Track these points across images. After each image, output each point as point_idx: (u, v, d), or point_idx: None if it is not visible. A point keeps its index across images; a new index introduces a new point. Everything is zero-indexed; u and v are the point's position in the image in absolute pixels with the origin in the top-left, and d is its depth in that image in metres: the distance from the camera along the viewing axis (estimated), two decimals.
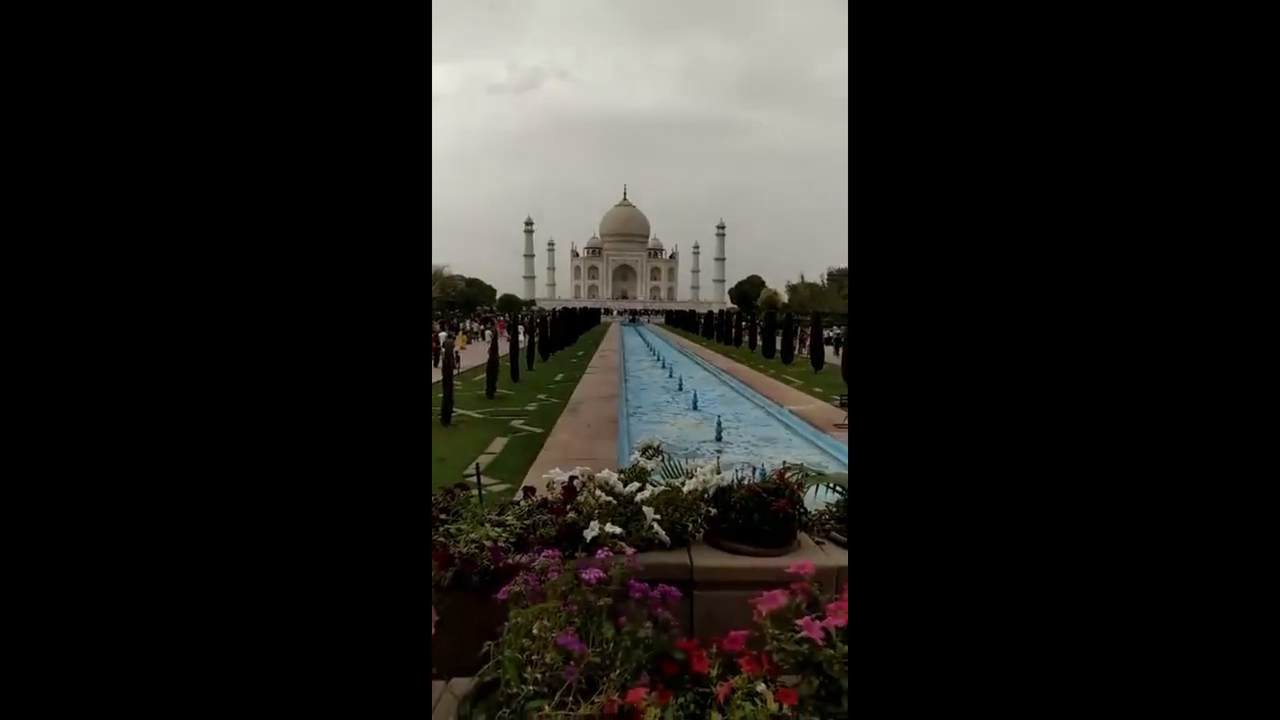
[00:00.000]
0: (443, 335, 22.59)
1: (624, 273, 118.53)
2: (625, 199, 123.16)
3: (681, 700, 1.18)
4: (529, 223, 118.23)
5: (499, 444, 10.13)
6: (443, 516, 2.06)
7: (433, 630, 1.26)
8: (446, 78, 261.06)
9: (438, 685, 1.32)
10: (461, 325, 37.89)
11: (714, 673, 1.24)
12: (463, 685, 1.34)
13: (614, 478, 2.17)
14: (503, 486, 6.73)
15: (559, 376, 19.09)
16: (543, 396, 15.14)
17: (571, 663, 1.20)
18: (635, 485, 2.15)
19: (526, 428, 11.39)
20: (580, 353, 27.87)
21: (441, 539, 1.91)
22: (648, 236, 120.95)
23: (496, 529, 1.97)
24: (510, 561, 1.79)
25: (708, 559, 2.03)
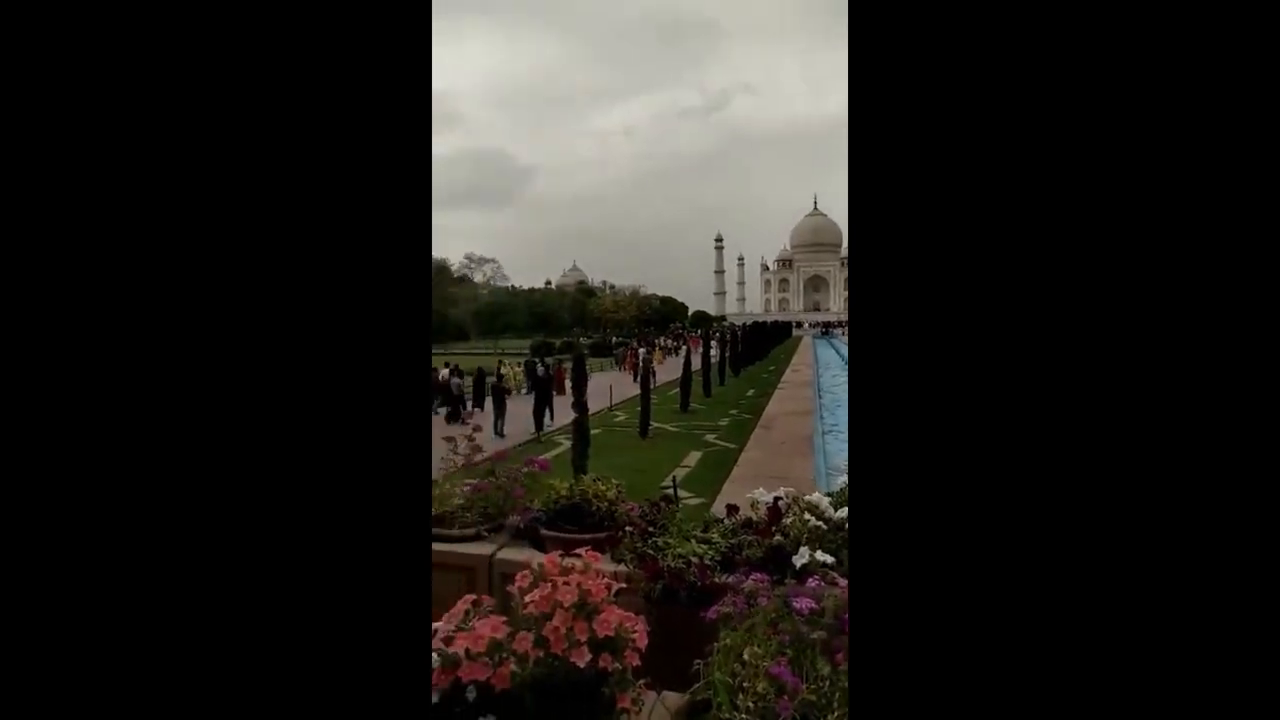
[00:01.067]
0: (641, 351, 23.76)
1: (816, 284, 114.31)
2: (816, 208, 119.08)
3: None
4: (719, 239, 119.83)
5: (693, 458, 10.34)
6: (650, 529, 2.13)
7: (645, 640, 1.30)
8: (640, 108, 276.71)
9: (650, 695, 1.35)
10: (657, 342, 39.54)
11: None
12: (674, 699, 1.36)
13: (824, 501, 2.06)
14: (697, 500, 6.83)
15: (750, 392, 18.97)
16: (734, 412, 15.16)
17: (785, 696, 1.15)
18: (845, 511, 2.02)
19: (719, 443, 11.48)
20: (771, 368, 27.40)
21: (650, 551, 1.97)
22: (840, 245, 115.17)
23: (702, 545, 1.98)
24: (717, 580, 1.78)
25: None
